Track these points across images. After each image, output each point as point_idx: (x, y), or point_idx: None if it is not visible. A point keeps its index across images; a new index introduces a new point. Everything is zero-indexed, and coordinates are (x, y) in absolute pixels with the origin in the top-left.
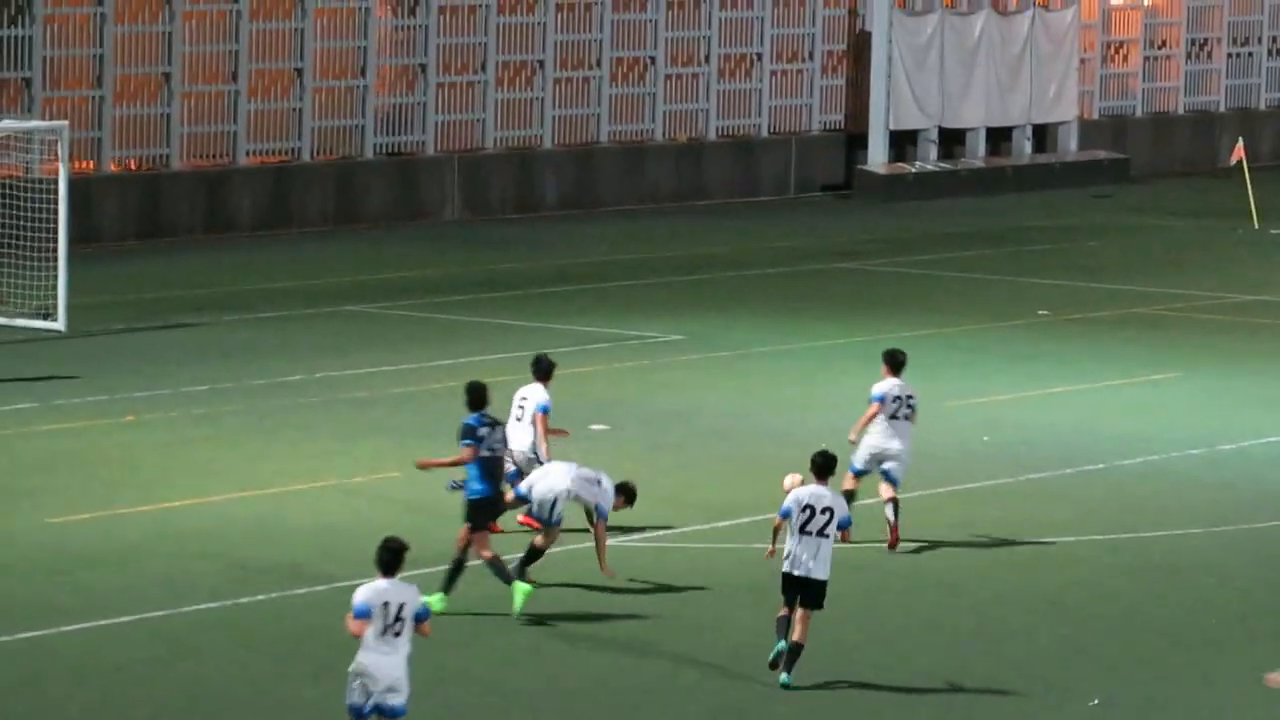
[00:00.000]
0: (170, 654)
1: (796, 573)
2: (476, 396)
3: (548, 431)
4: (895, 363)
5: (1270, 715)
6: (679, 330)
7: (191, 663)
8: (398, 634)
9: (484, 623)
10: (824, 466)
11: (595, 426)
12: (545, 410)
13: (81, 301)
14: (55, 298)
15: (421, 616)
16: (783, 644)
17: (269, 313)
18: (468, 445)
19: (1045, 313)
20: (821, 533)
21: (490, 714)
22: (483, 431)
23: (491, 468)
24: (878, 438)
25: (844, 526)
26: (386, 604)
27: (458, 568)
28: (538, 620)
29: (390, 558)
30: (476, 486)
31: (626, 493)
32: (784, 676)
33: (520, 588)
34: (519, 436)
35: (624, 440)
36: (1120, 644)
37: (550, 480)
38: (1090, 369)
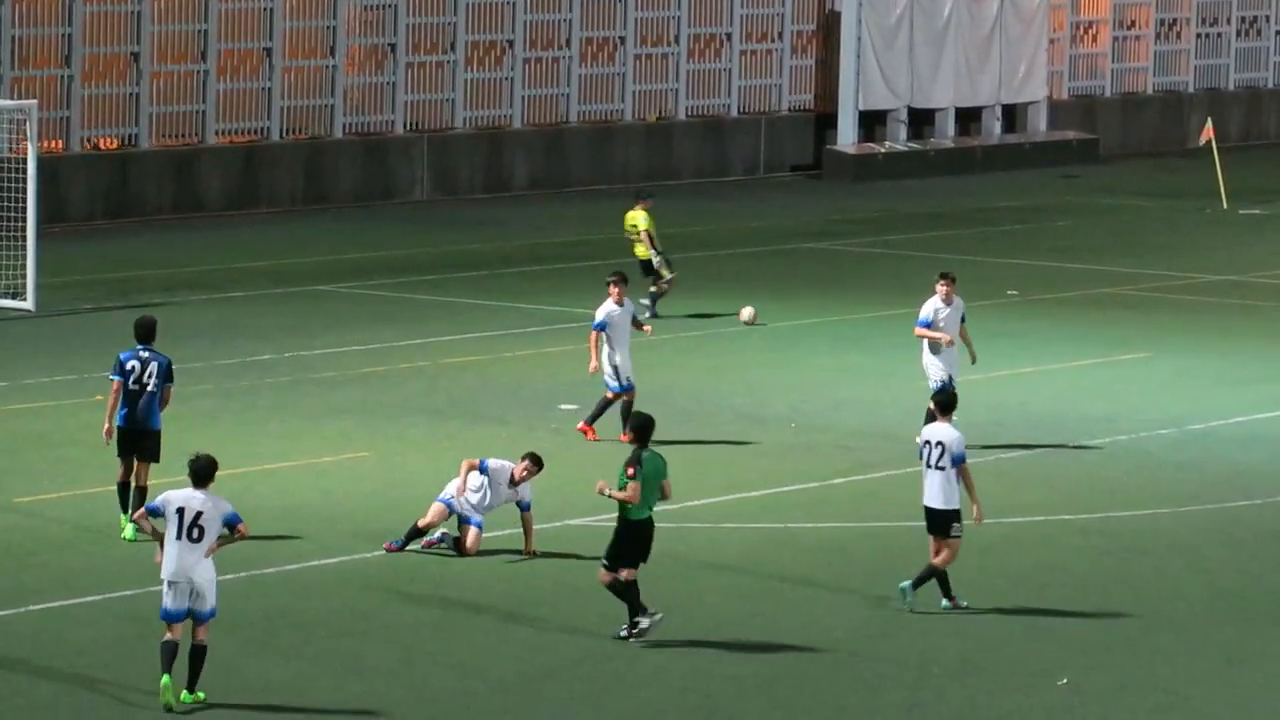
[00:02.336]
0: (138, 634)
1: (926, 504)
2: (139, 330)
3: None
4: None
5: (1238, 697)
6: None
7: (158, 643)
8: (195, 539)
9: (455, 608)
10: (943, 404)
11: (565, 406)
12: (597, 328)
13: (50, 281)
14: (24, 277)
15: (230, 521)
16: (907, 593)
17: (237, 292)
18: (112, 378)
19: (1014, 293)
20: (936, 465)
21: (462, 697)
22: (130, 365)
23: (136, 400)
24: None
25: (958, 462)
26: (181, 510)
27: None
28: (508, 604)
29: (196, 470)
30: (119, 418)
31: (534, 460)
32: (945, 602)
33: (125, 521)
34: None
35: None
36: (1088, 626)
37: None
38: (1059, 349)
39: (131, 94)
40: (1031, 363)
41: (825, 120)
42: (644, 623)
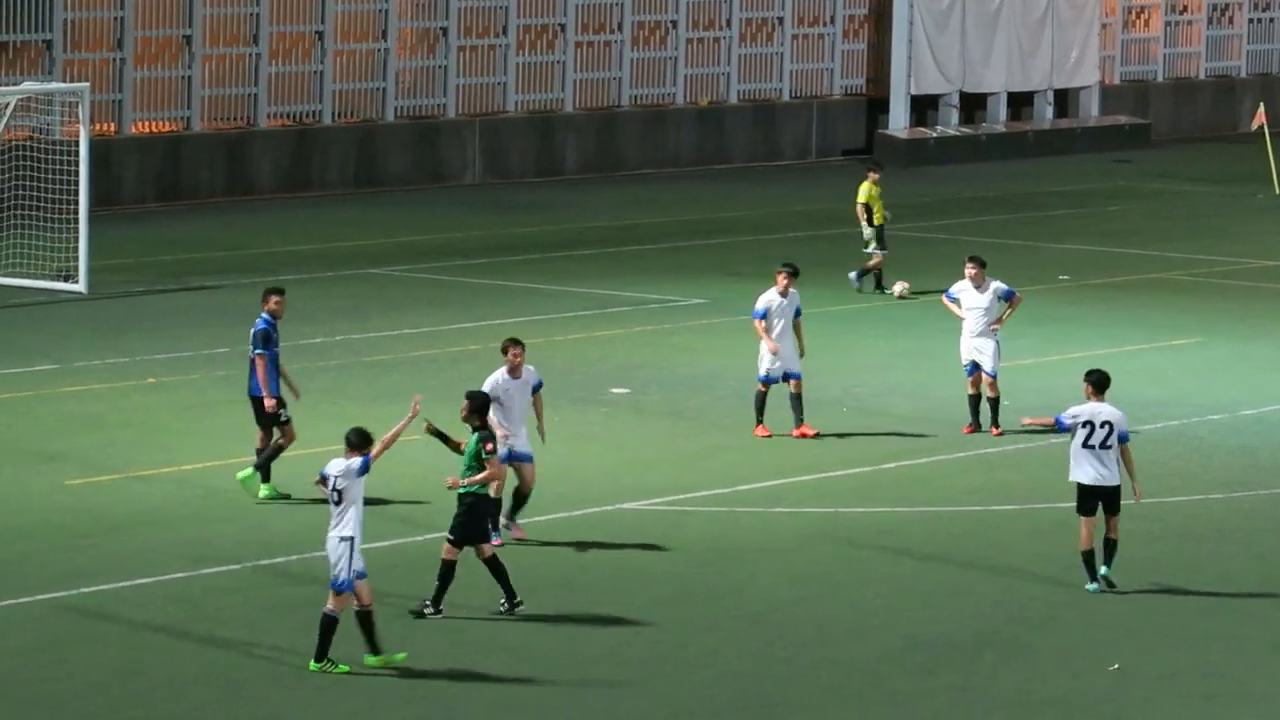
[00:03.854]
0: (189, 617)
1: (1090, 483)
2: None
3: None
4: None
5: None
6: (700, 294)
7: (210, 626)
8: (337, 502)
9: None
10: (1099, 383)
11: (616, 390)
12: (756, 316)
13: (102, 264)
14: (76, 260)
15: (363, 467)
16: (1092, 586)
17: (289, 275)
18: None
19: (1066, 277)
20: (1104, 445)
21: (512, 680)
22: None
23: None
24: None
25: (1124, 440)
26: (327, 477)
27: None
28: (558, 589)
29: (347, 439)
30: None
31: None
32: (1104, 569)
33: (246, 476)
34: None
35: (645, 404)
36: (1140, 611)
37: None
38: (1111, 333)
39: (183, 77)
40: (1082, 347)
41: (877, 104)
42: (430, 611)
